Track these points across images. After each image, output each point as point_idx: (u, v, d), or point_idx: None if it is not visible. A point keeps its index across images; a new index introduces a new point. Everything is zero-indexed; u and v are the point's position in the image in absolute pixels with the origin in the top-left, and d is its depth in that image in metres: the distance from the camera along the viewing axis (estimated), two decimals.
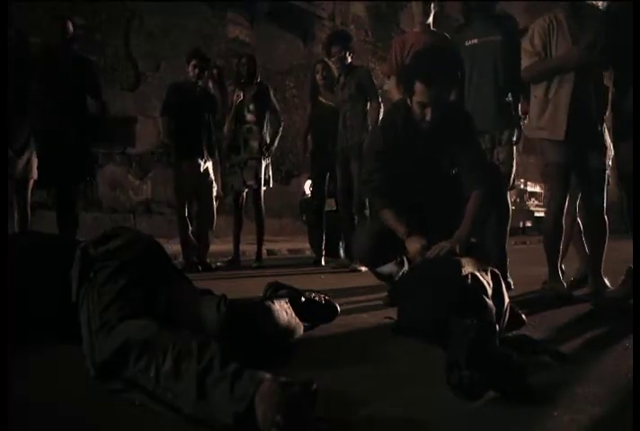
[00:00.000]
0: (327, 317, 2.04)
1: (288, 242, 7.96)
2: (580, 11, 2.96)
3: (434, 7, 3.83)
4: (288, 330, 1.80)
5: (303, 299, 1.96)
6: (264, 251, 5.39)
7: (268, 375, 1.11)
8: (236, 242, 4.87)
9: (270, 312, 1.72)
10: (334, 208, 5.00)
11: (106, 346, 1.29)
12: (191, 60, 4.53)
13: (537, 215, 11.91)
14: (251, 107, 4.71)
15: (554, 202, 3.06)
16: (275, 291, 2.00)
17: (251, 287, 2.60)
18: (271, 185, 4.88)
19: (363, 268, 4.48)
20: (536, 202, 12.55)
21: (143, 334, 1.26)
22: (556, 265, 3.08)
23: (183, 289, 1.74)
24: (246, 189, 4.82)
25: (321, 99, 4.93)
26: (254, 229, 4.97)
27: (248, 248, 5.44)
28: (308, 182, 5.72)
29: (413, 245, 2.36)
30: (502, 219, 3.29)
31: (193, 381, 1.13)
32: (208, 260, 4.61)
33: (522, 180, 11.67)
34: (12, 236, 2.06)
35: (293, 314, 1.85)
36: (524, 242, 9.39)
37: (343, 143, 4.57)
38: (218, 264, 4.72)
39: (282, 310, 1.80)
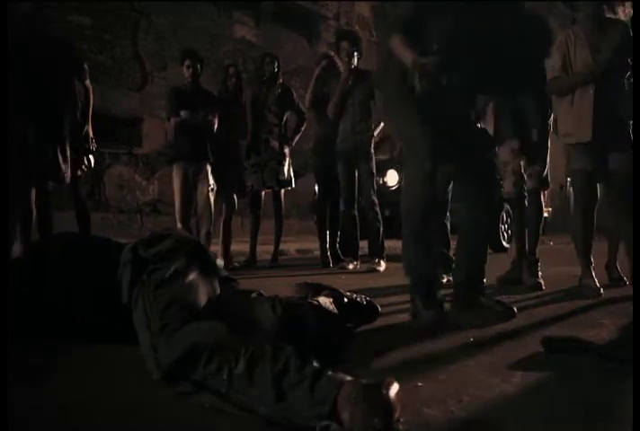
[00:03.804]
0: (369, 318, 2.03)
1: (296, 243, 7.95)
2: (600, 24, 2.99)
3: None
4: (336, 331, 1.79)
5: (346, 300, 1.95)
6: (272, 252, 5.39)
7: (347, 377, 1.10)
8: (253, 243, 4.85)
9: (320, 313, 1.71)
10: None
11: (173, 348, 1.28)
12: (185, 60, 4.43)
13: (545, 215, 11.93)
14: (272, 108, 4.69)
15: (579, 205, 3.12)
16: (317, 291, 1.99)
17: (268, 288, 2.59)
18: (293, 186, 4.86)
19: (382, 268, 4.50)
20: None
21: (212, 337, 1.25)
22: (588, 263, 3.12)
23: (232, 290, 1.74)
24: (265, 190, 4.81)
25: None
26: (264, 230, 4.96)
27: (260, 248, 5.43)
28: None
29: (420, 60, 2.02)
30: (535, 220, 3.35)
31: (270, 384, 1.12)
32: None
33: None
34: (52, 237, 2.04)
35: (339, 315, 1.85)
36: None
37: (350, 146, 4.54)
38: (235, 264, 4.71)
39: (330, 310, 1.79)
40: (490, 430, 1.16)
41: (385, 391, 1.03)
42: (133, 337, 1.51)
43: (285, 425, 1.09)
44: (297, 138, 4.89)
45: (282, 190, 4.85)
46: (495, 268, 3.65)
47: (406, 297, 2.37)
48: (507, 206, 7.31)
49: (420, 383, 1.37)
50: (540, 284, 3.33)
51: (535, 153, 3.38)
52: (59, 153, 3.49)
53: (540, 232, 3.49)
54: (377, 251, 4.65)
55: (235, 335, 1.27)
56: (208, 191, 4.35)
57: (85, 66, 3.81)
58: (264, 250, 5.35)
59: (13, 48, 3.33)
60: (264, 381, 1.13)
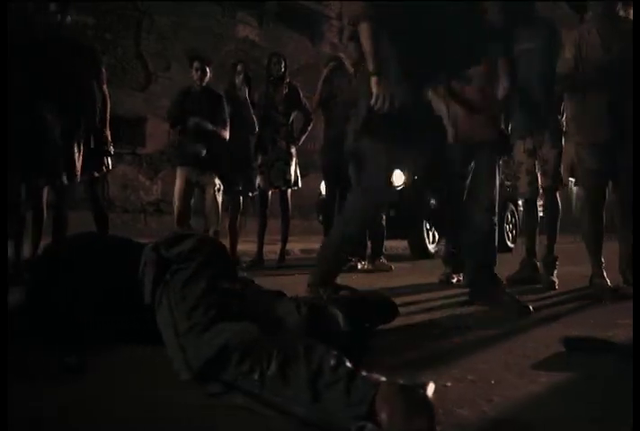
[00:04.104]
0: (388, 317, 2.03)
1: (300, 243, 7.95)
2: (611, 23, 3.00)
3: None
4: (356, 331, 1.79)
5: (366, 299, 1.95)
6: (277, 252, 5.39)
7: (383, 378, 1.10)
8: (260, 243, 4.85)
9: (342, 313, 1.71)
10: None
11: (203, 349, 1.27)
12: (193, 62, 4.47)
13: (541, 215, 11.95)
14: (280, 108, 4.68)
15: (589, 205, 3.12)
16: (335, 291, 1.99)
17: (279, 288, 2.59)
18: (299, 185, 4.86)
19: (393, 267, 4.54)
20: (540, 202, 12.58)
21: (243, 337, 1.25)
22: (599, 263, 3.13)
23: (254, 290, 1.73)
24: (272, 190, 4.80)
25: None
26: (269, 229, 4.96)
27: (267, 248, 5.43)
28: (324, 183, 5.68)
29: (381, 88, 2.17)
30: (553, 218, 3.37)
31: (304, 384, 1.11)
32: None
33: None
34: (72, 237, 2.04)
35: (359, 315, 1.85)
36: None
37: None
38: (242, 264, 4.71)
39: (351, 310, 1.79)
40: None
41: (423, 392, 1.03)
42: (154, 337, 1.51)
43: (321, 425, 1.08)
44: (303, 138, 4.89)
45: (289, 190, 4.84)
46: (500, 268, 3.67)
47: (419, 297, 2.37)
48: (511, 206, 7.33)
49: (448, 384, 1.37)
50: (554, 282, 3.36)
51: (548, 152, 3.38)
52: (75, 152, 3.56)
53: (558, 230, 3.50)
54: (378, 251, 4.69)
55: (268, 335, 1.26)
56: (215, 191, 4.34)
57: (104, 71, 3.86)
58: (268, 250, 5.34)
59: (34, 47, 3.48)
60: (299, 381, 1.12)
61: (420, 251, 6.08)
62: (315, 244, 7.16)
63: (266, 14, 9.54)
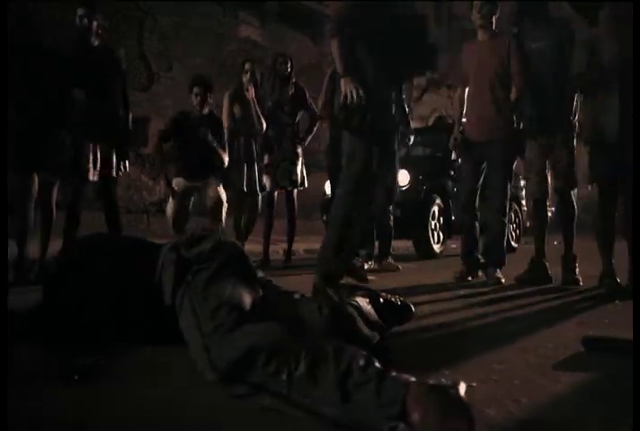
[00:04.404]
0: (403, 318, 2.03)
1: (303, 243, 7.93)
2: (626, 23, 2.99)
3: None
4: (374, 331, 1.79)
5: (382, 300, 1.95)
6: (281, 252, 5.39)
7: (412, 378, 1.10)
8: (266, 243, 4.85)
9: (361, 313, 1.71)
10: None
11: (228, 350, 1.26)
12: (193, 88, 4.46)
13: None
14: (286, 108, 4.67)
15: (602, 205, 3.13)
16: (351, 292, 1.99)
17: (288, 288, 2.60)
18: (306, 185, 4.85)
19: (400, 267, 4.55)
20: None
21: (270, 338, 1.24)
22: (610, 263, 3.14)
23: (274, 291, 1.73)
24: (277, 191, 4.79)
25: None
26: (274, 229, 4.97)
27: (270, 248, 5.42)
28: (328, 182, 5.68)
29: (348, 85, 2.67)
30: (569, 218, 3.39)
31: (334, 385, 1.11)
32: None
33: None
34: (86, 239, 2.03)
35: (376, 315, 1.84)
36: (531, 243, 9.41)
37: None
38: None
39: (369, 311, 1.79)
40: None
41: (456, 392, 1.03)
42: (171, 337, 1.51)
43: (351, 426, 1.08)
44: (309, 138, 4.88)
45: (295, 190, 4.84)
46: (505, 267, 3.69)
47: (430, 297, 2.38)
48: (515, 207, 7.33)
49: (474, 384, 1.36)
50: (578, 279, 3.40)
51: (560, 152, 3.39)
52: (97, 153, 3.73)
53: (575, 229, 3.52)
54: (386, 251, 4.69)
55: (295, 336, 1.26)
56: (216, 192, 4.38)
57: (126, 74, 4.07)
58: (272, 250, 5.33)
59: (64, 52, 3.72)
60: (328, 382, 1.12)
61: (425, 251, 6.08)
62: (317, 244, 7.16)
63: (268, 14, 9.52)
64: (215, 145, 4.37)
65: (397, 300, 2.03)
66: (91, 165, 3.71)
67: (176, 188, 4.44)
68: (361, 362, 1.14)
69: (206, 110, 4.50)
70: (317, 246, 6.99)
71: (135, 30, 8.04)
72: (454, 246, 7.70)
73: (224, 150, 4.44)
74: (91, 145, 3.72)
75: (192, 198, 4.50)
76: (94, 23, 3.79)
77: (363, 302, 1.85)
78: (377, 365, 1.13)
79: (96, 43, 3.88)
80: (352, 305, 1.76)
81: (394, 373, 1.10)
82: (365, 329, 1.67)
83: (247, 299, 1.49)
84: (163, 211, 8.40)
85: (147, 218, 8.17)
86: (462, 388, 1.06)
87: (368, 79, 2.73)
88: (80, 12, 3.77)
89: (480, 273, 3.78)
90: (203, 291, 1.47)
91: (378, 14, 2.76)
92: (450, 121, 7.89)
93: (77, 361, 1.42)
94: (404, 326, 1.98)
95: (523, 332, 2.04)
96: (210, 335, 1.34)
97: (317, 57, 9.72)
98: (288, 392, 1.16)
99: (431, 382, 1.07)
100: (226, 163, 4.45)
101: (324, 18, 10.23)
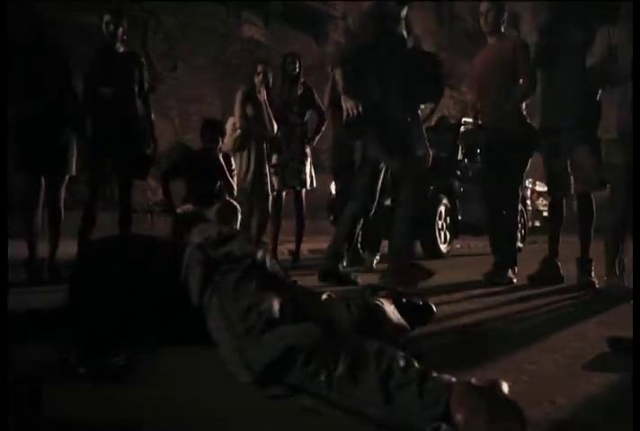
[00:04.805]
0: (425, 318, 2.03)
1: (308, 243, 7.92)
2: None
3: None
4: (398, 331, 1.79)
5: (404, 300, 1.95)
6: (285, 252, 5.39)
7: (454, 378, 1.09)
8: (274, 244, 4.85)
9: (386, 313, 1.71)
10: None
11: (265, 351, 1.26)
12: (204, 131, 4.56)
13: (545, 214, 11.94)
14: (295, 108, 4.67)
15: (616, 201, 3.11)
16: (374, 292, 1.98)
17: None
18: (314, 185, 4.85)
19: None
20: (544, 202, 12.56)
21: (308, 339, 1.24)
22: (614, 261, 3.13)
23: (302, 291, 1.73)
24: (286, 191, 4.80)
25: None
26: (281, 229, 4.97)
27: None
28: (334, 183, 5.68)
29: (349, 102, 3.22)
30: (588, 222, 3.39)
31: (375, 386, 1.11)
32: None
33: (531, 179, 11.70)
34: (107, 238, 2.03)
35: (399, 316, 1.84)
36: (534, 242, 9.41)
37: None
38: None
39: (392, 311, 1.79)
40: None
41: (502, 392, 1.02)
42: (199, 337, 1.51)
43: (393, 427, 1.08)
44: (317, 138, 4.88)
45: (303, 190, 4.84)
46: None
47: (447, 297, 2.37)
48: (520, 207, 7.33)
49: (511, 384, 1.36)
50: (594, 282, 3.39)
51: (583, 154, 3.37)
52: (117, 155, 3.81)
53: (592, 232, 3.51)
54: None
55: (333, 336, 1.26)
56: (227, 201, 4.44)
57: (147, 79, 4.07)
58: (277, 250, 5.32)
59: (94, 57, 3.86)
60: (368, 383, 1.12)
61: (432, 251, 6.08)
62: (323, 244, 7.15)
63: (271, 14, 9.52)
64: (226, 176, 4.53)
65: (419, 300, 2.03)
66: (112, 167, 3.77)
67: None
68: (402, 362, 1.13)
69: (220, 155, 4.59)
70: (322, 246, 7.03)
71: (140, 30, 8.03)
72: (458, 246, 7.73)
73: (231, 190, 4.58)
74: (115, 147, 3.74)
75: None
76: (120, 30, 3.81)
77: (386, 302, 1.85)
78: (417, 365, 1.13)
79: (121, 49, 3.92)
80: (377, 306, 1.76)
81: (434, 374, 1.10)
82: (390, 329, 1.67)
83: (276, 300, 1.49)
84: (166, 211, 8.42)
85: (151, 218, 8.16)
86: (505, 387, 1.06)
87: (372, 96, 3.26)
88: (107, 18, 3.81)
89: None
90: (233, 291, 1.47)
91: (378, 54, 3.26)
92: (453, 121, 7.91)
93: (110, 362, 1.42)
94: (426, 327, 1.97)
95: (546, 332, 2.04)
96: (243, 337, 1.34)
97: (320, 58, 9.72)
98: (327, 393, 1.15)
99: (474, 382, 1.07)
100: (235, 192, 4.59)
101: (328, 18, 10.29)
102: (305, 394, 1.19)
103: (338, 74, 3.32)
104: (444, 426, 1.03)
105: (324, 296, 1.67)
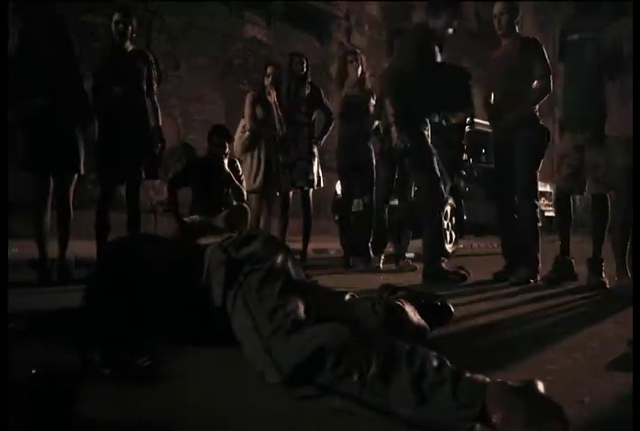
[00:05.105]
0: (444, 319, 2.03)
1: (311, 243, 7.91)
2: None
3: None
4: (419, 332, 1.79)
5: (423, 301, 1.95)
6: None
7: (488, 378, 1.10)
8: None
9: (408, 314, 1.71)
10: (361, 209, 4.95)
11: (294, 351, 1.26)
12: (212, 137, 4.57)
13: (547, 214, 11.92)
14: (302, 108, 4.67)
15: (622, 201, 3.12)
16: (393, 293, 1.99)
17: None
18: (321, 185, 4.86)
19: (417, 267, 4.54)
20: (546, 202, 12.55)
21: (337, 339, 1.24)
22: (624, 261, 3.14)
23: (326, 292, 1.73)
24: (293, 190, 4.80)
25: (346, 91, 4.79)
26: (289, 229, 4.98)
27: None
28: (339, 182, 5.68)
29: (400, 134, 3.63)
30: (601, 223, 3.44)
31: (408, 386, 1.11)
32: None
33: None
34: (125, 239, 2.03)
35: (419, 316, 1.85)
36: None
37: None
38: None
39: (412, 311, 1.79)
40: None
41: (537, 394, 1.03)
42: (222, 338, 1.51)
43: (426, 427, 1.08)
44: (325, 138, 4.89)
45: (310, 190, 4.84)
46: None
47: (468, 297, 2.37)
48: None
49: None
50: (605, 282, 3.39)
51: (599, 156, 3.36)
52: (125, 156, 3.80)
53: (606, 234, 3.51)
54: (402, 252, 4.70)
55: (363, 336, 1.26)
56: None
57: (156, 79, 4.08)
58: None
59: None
60: (401, 383, 1.12)
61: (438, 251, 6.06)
62: (326, 244, 7.14)
63: (274, 14, 9.51)
64: (235, 182, 4.57)
65: (437, 301, 2.04)
66: (121, 168, 3.77)
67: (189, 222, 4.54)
68: (435, 362, 1.14)
69: (226, 161, 4.60)
70: (325, 246, 7.01)
71: (144, 29, 8.01)
72: (461, 246, 7.73)
73: (242, 198, 4.62)
74: (124, 147, 3.73)
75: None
76: (129, 28, 3.81)
77: (406, 303, 1.86)
78: (450, 365, 1.14)
79: (130, 48, 3.91)
80: (398, 306, 1.76)
81: (468, 374, 1.11)
82: (411, 329, 1.68)
83: (301, 300, 1.49)
84: (170, 210, 8.42)
85: (155, 218, 8.14)
86: (541, 387, 1.06)
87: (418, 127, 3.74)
88: (116, 17, 3.81)
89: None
90: (257, 292, 1.47)
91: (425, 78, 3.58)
92: (455, 121, 7.90)
93: (135, 362, 1.42)
94: (445, 327, 1.97)
95: (562, 332, 2.04)
96: (270, 337, 1.34)
97: (323, 57, 9.72)
98: (359, 393, 1.15)
99: (509, 382, 1.07)
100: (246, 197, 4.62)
101: (331, 18, 10.28)
102: (335, 395, 1.19)
103: (388, 103, 3.70)
104: (478, 426, 1.03)
105: (348, 296, 1.68)
